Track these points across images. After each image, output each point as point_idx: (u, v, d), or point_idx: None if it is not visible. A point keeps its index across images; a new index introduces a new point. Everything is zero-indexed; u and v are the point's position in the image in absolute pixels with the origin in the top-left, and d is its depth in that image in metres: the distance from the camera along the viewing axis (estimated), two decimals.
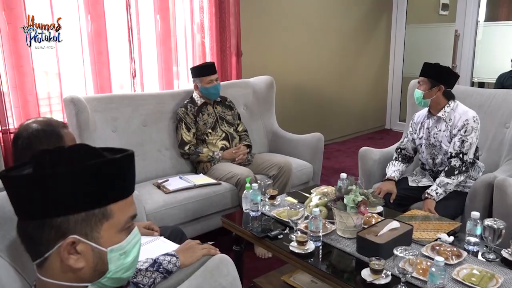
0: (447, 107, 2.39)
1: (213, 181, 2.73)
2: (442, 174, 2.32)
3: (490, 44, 5.30)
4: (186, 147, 2.92)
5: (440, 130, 2.41)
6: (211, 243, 1.57)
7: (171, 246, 1.67)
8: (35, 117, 1.52)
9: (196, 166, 3.01)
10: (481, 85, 5.40)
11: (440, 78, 2.37)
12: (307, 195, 2.32)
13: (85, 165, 0.79)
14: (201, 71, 2.96)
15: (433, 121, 2.45)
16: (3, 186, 1.15)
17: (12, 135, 2.72)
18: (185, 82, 3.65)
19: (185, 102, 3.02)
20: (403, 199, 2.42)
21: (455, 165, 2.30)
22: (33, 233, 0.79)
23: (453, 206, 2.30)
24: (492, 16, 5.90)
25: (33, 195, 0.77)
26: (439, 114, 2.40)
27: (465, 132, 2.30)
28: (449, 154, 2.34)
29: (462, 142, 2.30)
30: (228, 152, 2.95)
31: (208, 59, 3.71)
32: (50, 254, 0.80)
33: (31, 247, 0.82)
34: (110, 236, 0.83)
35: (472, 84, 5.25)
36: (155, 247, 1.67)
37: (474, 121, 2.32)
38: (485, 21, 5.25)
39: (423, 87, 2.40)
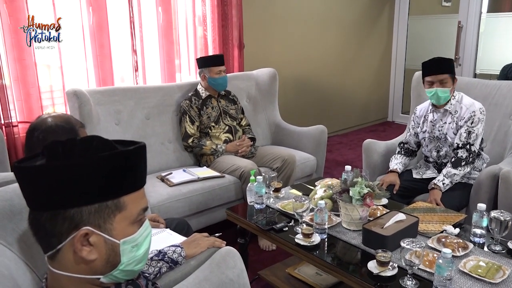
0: (453, 99, 2.37)
1: (217, 174, 2.73)
2: (449, 165, 2.31)
3: (493, 35, 5.27)
4: (190, 140, 2.92)
5: (445, 123, 2.39)
6: (218, 234, 1.58)
7: (177, 238, 1.67)
8: (53, 112, 1.51)
9: (200, 159, 3.01)
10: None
11: (454, 71, 2.34)
12: (312, 187, 2.32)
13: (99, 157, 0.78)
14: (211, 61, 2.96)
15: (438, 114, 2.42)
16: (9, 180, 1.15)
17: (15, 129, 2.74)
18: (187, 75, 3.63)
19: (189, 94, 3.01)
20: (408, 191, 2.42)
21: (461, 156, 2.29)
22: (46, 225, 0.79)
23: (458, 198, 2.30)
24: (495, 7, 5.86)
25: (47, 186, 0.77)
26: (446, 107, 2.37)
27: (471, 123, 2.29)
28: (456, 145, 2.33)
29: (469, 133, 2.29)
30: (232, 145, 2.95)
31: (210, 52, 3.69)
32: (62, 245, 0.80)
33: (43, 239, 0.82)
34: (123, 228, 0.83)
35: (475, 75, 5.23)
36: (162, 239, 1.66)
37: (481, 113, 2.30)
38: (488, 12, 5.21)
39: (448, 84, 2.30)
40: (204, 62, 2.98)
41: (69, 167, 0.77)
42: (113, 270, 0.84)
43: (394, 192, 2.38)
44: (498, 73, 4.72)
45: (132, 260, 0.85)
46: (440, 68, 2.31)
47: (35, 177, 0.78)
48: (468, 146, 2.29)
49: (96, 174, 0.78)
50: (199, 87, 3.03)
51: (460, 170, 2.28)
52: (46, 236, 0.80)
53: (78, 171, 0.77)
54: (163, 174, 2.73)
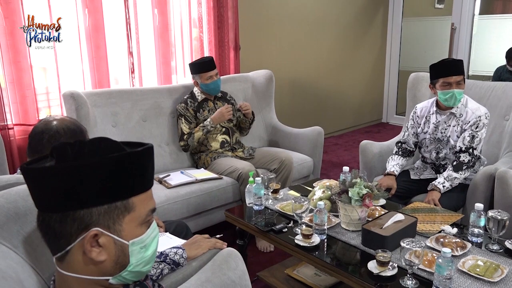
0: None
1: (215, 175, 2.73)
2: (450, 168, 2.32)
3: (485, 37, 5.33)
4: (185, 137, 2.91)
5: (449, 125, 2.39)
6: (218, 236, 1.58)
7: (177, 242, 1.67)
8: (57, 115, 1.51)
9: (197, 161, 3.01)
10: None
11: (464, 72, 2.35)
12: (310, 188, 2.33)
13: (109, 158, 0.79)
14: (200, 68, 2.92)
15: (443, 117, 2.42)
16: (13, 182, 1.14)
17: (10, 131, 2.72)
18: (182, 77, 3.63)
19: (185, 97, 3.01)
20: (405, 191, 2.43)
21: (464, 160, 2.30)
22: (55, 226, 0.79)
23: (455, 198, 2.31)
24: (487, 9, 5.92)
25: (56, 187, 0.77)
26: (452, 110, 2.37)
27: (476, 128, 2.30)
28: (458, 148, 2.33)
29: (473, 137, 2.30)
30: (216, 115, 2.89)
31: (207, 53, 3.69)
32: (72, 247, 0.80)
33: (52, 241, 0.82)
34: (132, 229, 0.83)
35: (468, 77, 5.29)
36: (162, 243, 1.66)
37: (486, 118, 2.31)
38: (480, 14, 5.27)
39: (463, 85, 2.33)
40: (194, 69, 2.95)
41: (78, 168, 0.77)
42: (122, 271, 0.84)
43: (390, 196, 2.38)
44: (490, 74, 4.79)
45: (141, 261, 0.86)
46: (458, 69, 2.32)
47: (45, 178, 0.78)
48: (470, 150, 2.30)
49: (105, 175, 0.78)
50: (195, 90, 3.03)
51: (461, 174, 2.30)
52: (55, 238, 0.80)
53: (87, 172, 0.77)
54: (161, 176, 2.73)
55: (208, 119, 2.90)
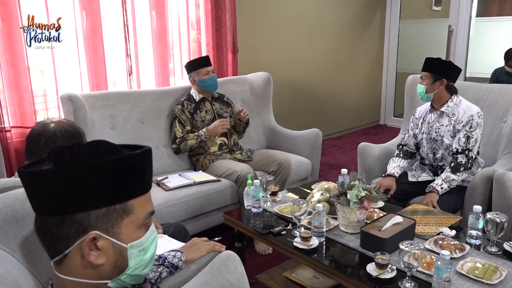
0: (450, 101, 2.39)
1: (213, 178, 2.72)
2: (448, 169, 2.33)
3: (482, 39, 5.35)
4: (177, 141, 2.91)
5: (442, 125, 2.41)
6: (217, 239, 1.58)
7: (175, 244, 1.66)
8: (54, 118, 1.50)
9: (195, 163, 3.00)
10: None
11: (442, 72, 2.37)
12: (308, 191, 2.33)
13: (107, 160, 0.78)
14: (196, 64, 2.95)
15: (435, 116, 2.44)
16: (10, 186, 1.14)
17: (7, 133, 2.71)
18: (180, 79, 3.63)
19: (182, 99, 3.00)
20: (403, 194, 2.44)
21: (461, 161, 2.30)
22: (53, 230, 0.78)
23: (454, 200, 2.32)
24: (484, 11, 5.95)
25: (54, 190, 0.77)
26: (442, 109, 2.40)
27: (470, 128, 2.31)
28: (455, 150, 2.34)
29: (468, 138, 2.30)
30: (212, 127, 2.89)
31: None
32: (70, 250, 0.80)
33: (50, 244, 0.81)
34: (130, 232, 0.83)
35: (465, 79, 5.30)
36: (160, 246, 1.65)
37: (479, 117, 2.31)
38: (477, 16, 5.29)
39: (425, 81, 2.39)
40: (191, 66, 2.97)
41: (76, 171, 0.76)
42: (121, 274, 0.84)
43: (389, 196, 2.39)
44: (487, 76, 4.80)
45: (139, 265, 0.85)
46: (424, 66, 2.44)
47: (43, 181, 0.77)
48: (467, 152, 2.31)
49: (103, 178, 0.78)
50: (192, 91, 3.02)
51: (458, 176, 2.31)
52: (53, 241, 0.80)
53: (85, 175, 0.76)
54: (159, 178, 2.72)
55: (204, 129, 2.90)
